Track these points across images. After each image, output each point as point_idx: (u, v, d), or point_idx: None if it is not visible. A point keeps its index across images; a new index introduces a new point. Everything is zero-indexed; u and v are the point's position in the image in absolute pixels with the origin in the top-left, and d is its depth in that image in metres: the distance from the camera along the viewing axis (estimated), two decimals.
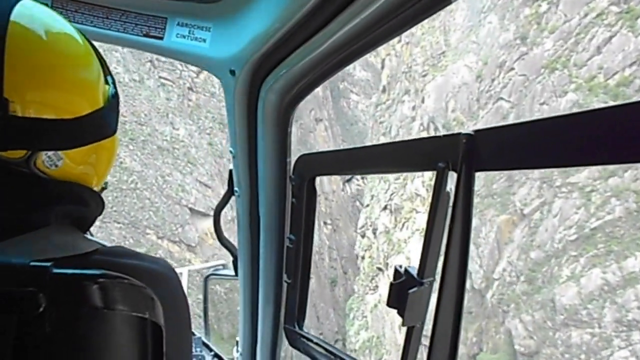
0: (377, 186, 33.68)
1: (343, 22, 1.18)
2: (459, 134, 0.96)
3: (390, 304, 1.17)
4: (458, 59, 33.01)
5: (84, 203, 1.05)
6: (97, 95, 1.04)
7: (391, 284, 1.17)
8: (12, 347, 0.81)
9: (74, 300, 0.85)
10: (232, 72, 1.51)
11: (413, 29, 1.18)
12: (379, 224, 31.88)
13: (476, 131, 0.95)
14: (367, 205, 34.48)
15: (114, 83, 1.11)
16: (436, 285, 1.10)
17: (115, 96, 1.09)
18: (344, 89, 55.94)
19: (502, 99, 29.00)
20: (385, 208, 32.16)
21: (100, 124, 1.05)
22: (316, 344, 1.76)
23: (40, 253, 0.85)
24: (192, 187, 35.70)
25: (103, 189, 1.17)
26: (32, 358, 0.83)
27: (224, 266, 3.37)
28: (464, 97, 31.27)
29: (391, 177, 31.35)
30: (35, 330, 0.81)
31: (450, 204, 1.00)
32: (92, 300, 0.85)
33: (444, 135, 1.03)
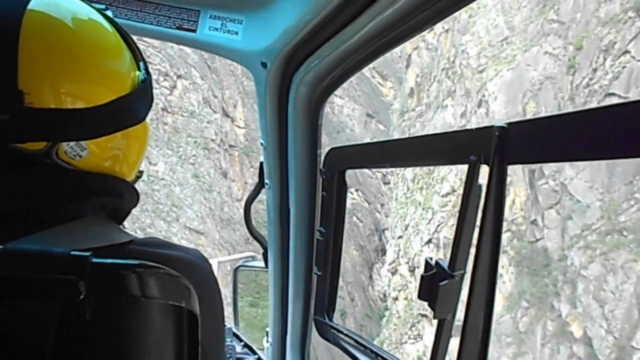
0: (413, 214, 29.62)
1: (374, 14, 1.19)
2: (492, 126, 0.97)
3: (421, 296, 1.18)
4: (532, 45, 26.13)
5: (118, 195, 1.06)
6: (123, 82, 1.02)
7: (422, 276, 1.18)
8: (54, 333, 0.84)
9: (113, 288, 0.88)
10: (264, 65, 1.53)
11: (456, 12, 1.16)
12: (421, 261, 28.82)
13: (509, 123, 0.95)
14: (400, 237, 30.43)
15: (146, 69, 1.09)
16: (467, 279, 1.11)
17: (145, 81, 1.06)
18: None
19: (613, 94, 21.80)
20: (429, 242, 28.08)
21: (125, 112, 1.02)
22: (346, 335, 1.78)
23: (79, 243, 0.88)
24: (181, 236, 32.39)
25: (137, 177, 1.16)
26: (73, 344, 0.86)
27: (254, 257, 3.42)
28: (550, 97, 24.35)
29: (435, 204, 27.43)
30: (76, 317, 0.84)
31: (483, 197, 1.01)
32: (130, 289, 0.88)
33: (477, 129, 1.03)
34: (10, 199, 0.94)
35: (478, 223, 1.05)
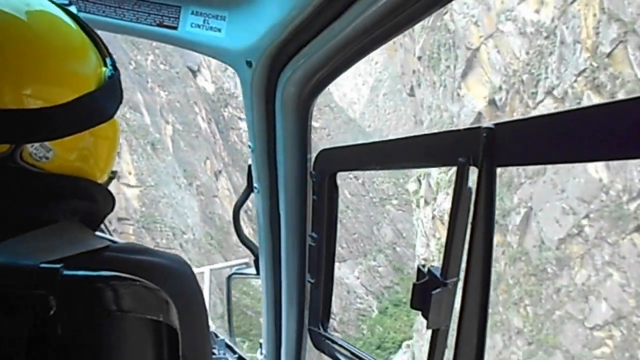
0: None
1: (362, 9, 1.17)
2: (479, 127, 0.95)
3: (413, 304, 1.16)
4: None
5: (90, 198, 1.04)
6: (86, 79, 1.00)
7: (414, 285, 1.16)
8: (25, 350, 0.82)
9: (86, 302, 0.86)
10: (249, 64, 1.51)
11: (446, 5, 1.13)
12: None
13: (496, 124, 0.93)
14: None
15: (113, 64, 1.06)
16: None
17: (112, 77, 1.04)
18: (230, 116, 44.40)
19: None
20: None
21: (90, 109, 1.00)
22: (341, 346, 1.76)
23: (49, 251, 0.86)
24: None
25: (110, 179, 1.14)
26: None
27: (247, 264, 3.37)
28: None
29: None
30: (47, 333, 0.82)
31: (472, 200, 0.99)
32: (104, 303, 0.86)
33: (465, 129, 1.01)
34: None
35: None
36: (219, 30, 1.50)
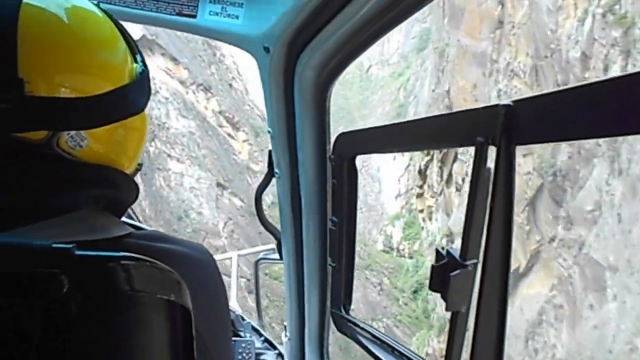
0: None
1: None
2: (497, 105, 0.94)
3: (432, 287, 1.17)
4: None
5: (115, 186, 1.08)
6: (121, 72, 1.06)
7: (432, 266, 1.17)
8: (39, 329, 0.85)
9: (98, 282, 0.88)
10: (267, 49, 1.53)
11: None
12: None
13: (515, 101, 0.93)
14: None
15: (143, 61, 1.13)
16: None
17: (142, 73, 1.10)
18: (157, 153, 33.96)
19: None
20: None
21: (124, 102, 1.06)
22: (363, 329, 1.78)
23: (67, 236, 0.88)
24: None
25: (137, 170, 1.19)
26: (60, 339, 0.87)
27: (275, 250, 3.42)
28: None
29: None
30: (61, 312, 0.85)
31: (491, 180, 0.99)
32: (116, 282, 0.88)
33: (482, 107, 1.00)
34: (8, 190, 0.95)
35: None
36: (237, 17, 1.52)
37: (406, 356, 1.51)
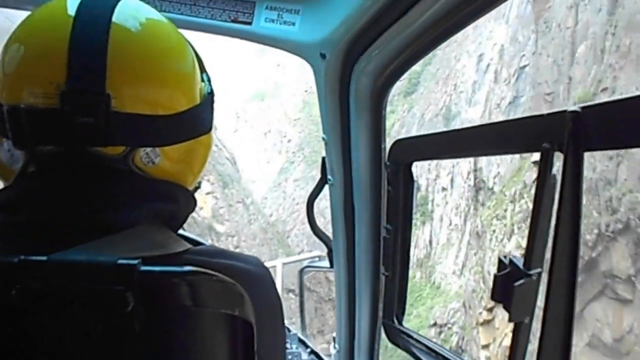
0: None
1: None
2: (564, 111, 0.94)
3: (494, 297, 1.16)
4: None
5: (177, 202, 1.10)
6: (194, 91, 1.09)
7: (495, 276, 1.16)
8: (103, 346, 0.87)
9: (162, 298, 0.89)
10: (323, 56, 1.55)
11: None
12: None
13: (583, 107, 0.93)
14: None
15: (209, 81, 1.16)
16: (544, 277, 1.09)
17: (211, 93, 1.14)
18: None
19: None
20: None
21: (197, 121, 1.10)
22: (417, 341, 1.78)
23: (130, 252, 0.89)
24: None
25: (197, 188, 1.22)
26: (122, 356, 0.89)
27: (320, 258, 3.42)
28: None
29: None
30: (124, 328, 0.86)
31: (558, 187, 0.98)
32: (180, 298, 0.90)
33: (548, 114, 1.01)
34: (78, 203, 0.98)
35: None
36: (293, 24, 1.56)
37: None
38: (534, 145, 1.02)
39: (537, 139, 1.00)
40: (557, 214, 0.99)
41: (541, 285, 1.11)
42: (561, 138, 0.95)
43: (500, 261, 1.17)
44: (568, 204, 0.97)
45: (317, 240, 2.09)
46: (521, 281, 1.10)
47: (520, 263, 1.12)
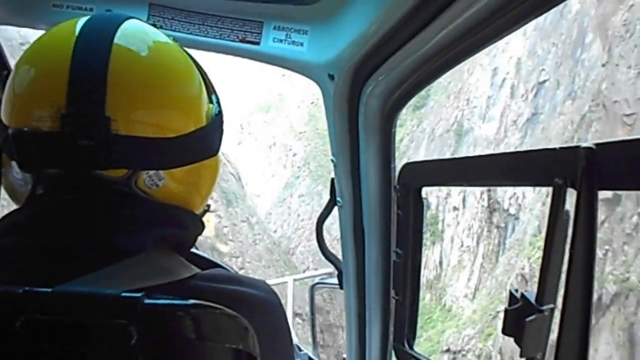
0: None
1: (445, 22, 1.17)
2: (578, 146, 0.92)
3: (505, 331, 1.14)
4: None
5: (184, 226, 1.08)
6: (200, 113, 1.08)
7: (506, 310, 1.14)
8: None
9: (166, 331, 0.89)
10: (331, 77, 1.54)
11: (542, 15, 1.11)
12: None
13: (598, 144, 0.90)
14: None
15: (218, 102, 1.15)
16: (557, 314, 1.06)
17: (218, 114, 1.12)
18: None
19: None
20: None
21: (202, 143, 1.08)
22: None
23: (136, 280, 0.89)
24: None
25: (205, 211, 1.20)
26: None
27: (330, 275, 3.39)
28: None
29: None
30: None
31: (571, 224, 0.96)
32: (184, 331, 0.89)
33: (561, 148, 0.98)
34: (81, 227, 0.97)
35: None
36: (301, 44, 1.54)
37: None
38: (545, 180, 1.00)
39: (549, 173, 0.98)
40: (571, 250, 0.97)
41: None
42: (574, 174, 0.93)
43: (511, 295, 1.14)
44: (582, 241, 0.94)
45: (323, 257, 2.06)
46: (533, 316, 1.08)
47: (532, 298, 1.09)
